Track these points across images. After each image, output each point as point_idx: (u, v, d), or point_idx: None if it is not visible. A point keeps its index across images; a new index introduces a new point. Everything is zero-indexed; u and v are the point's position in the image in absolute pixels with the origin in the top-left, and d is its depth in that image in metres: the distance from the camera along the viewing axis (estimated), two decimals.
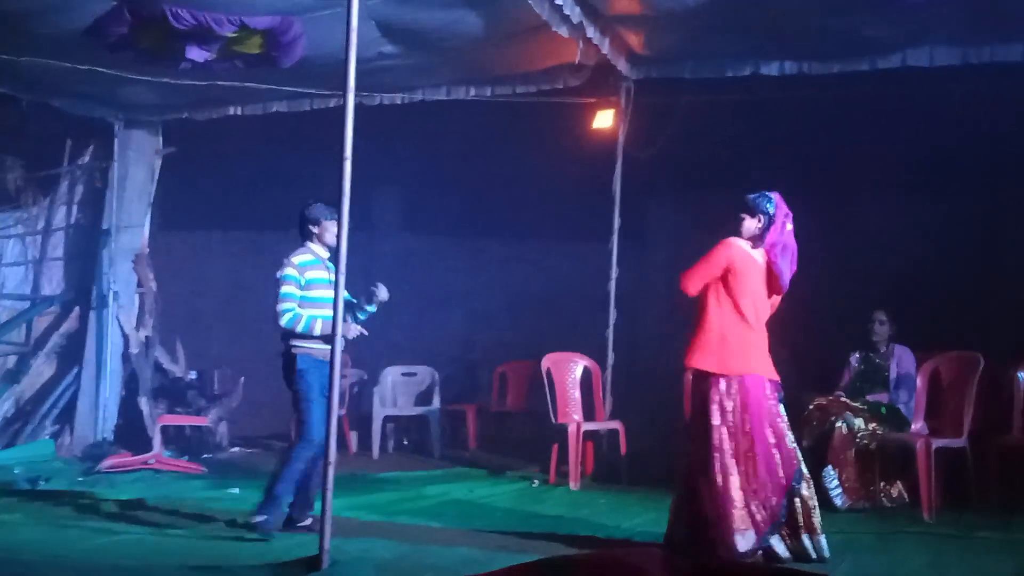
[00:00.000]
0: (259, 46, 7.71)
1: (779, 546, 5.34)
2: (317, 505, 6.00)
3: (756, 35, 7.89)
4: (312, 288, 6.20)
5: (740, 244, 5.55)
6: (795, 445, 5.51)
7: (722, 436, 5.35)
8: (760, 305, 5.56)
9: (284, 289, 6.16)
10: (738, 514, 5.26)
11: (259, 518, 6.07)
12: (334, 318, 5.22)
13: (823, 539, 5.41)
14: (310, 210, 6.31)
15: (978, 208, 8.84)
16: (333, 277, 6.07)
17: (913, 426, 7.32)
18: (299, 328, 6.11)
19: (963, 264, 8.76)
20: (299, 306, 6.15)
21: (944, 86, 8.12)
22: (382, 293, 6.29)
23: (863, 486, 7.29)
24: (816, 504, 5.46)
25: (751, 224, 5.57)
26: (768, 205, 5.55)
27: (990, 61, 7.66)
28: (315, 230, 6.30)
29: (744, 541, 5.24)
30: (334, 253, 6.05)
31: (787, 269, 5.56)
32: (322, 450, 5.88)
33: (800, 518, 5.38)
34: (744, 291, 5.48)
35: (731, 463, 5.32)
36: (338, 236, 5.25)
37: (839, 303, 8.80)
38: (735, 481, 5.30)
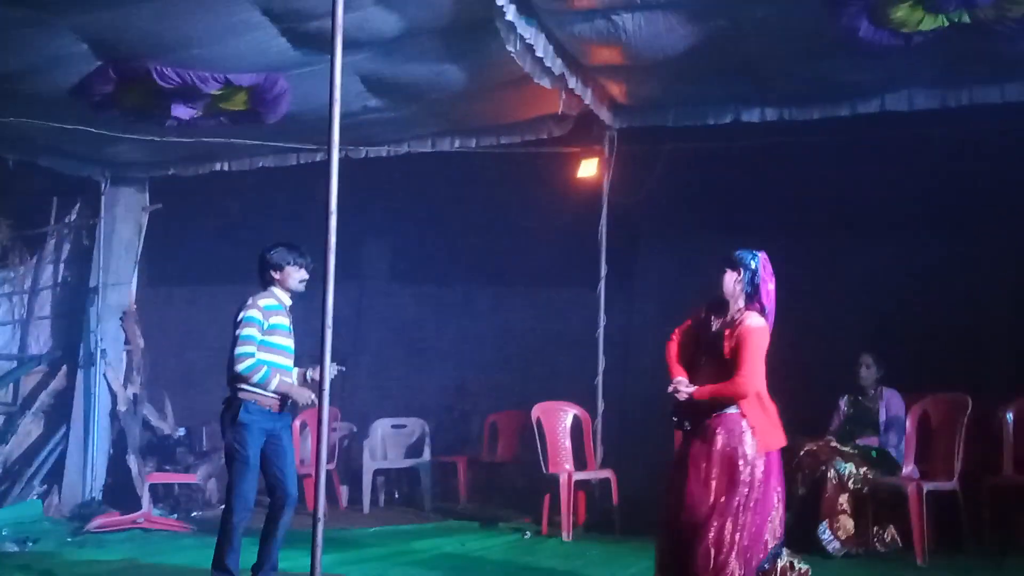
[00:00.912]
0: (244, 102, 7.76)
1: None
2: (285, 557, 5.91)
3: (736, 83, 7.98)
4: (273, 334, 5.90)
5: (761, 319, 5.41)
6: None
7: (742, 497, 5.29)
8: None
9: (245, 331, 5.80)
10: (733, 563, 5.21)
11: None
12: (321, 373, 5.14)
13: None
14: (271, 255, 5.99)
15: (962, 249, 8.89)
16: (291, 325, 6.00)
17: (904, 469, 7.32)
18: (255, 379, 5.76)
19: (948, 305, 8.79)
20: (258, 350, 5.82)
21: (924, 129, 8.20)
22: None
23: (856, 531, 7.26)
24: (795, 561, 5.41)
25: (731, 278, 5.50)
26: (752, 261, 5.47)
27: (968, 104, 7.74)
28: (276, 276, 5.97)
29: None
30: (307, 304, 5.91)
31: None
32: (284, 503, 5.79)
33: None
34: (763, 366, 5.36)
35: (731, 519, 5.27)
36: (324, 289, 5.12)
37: (826, 347, 8.82)
38: (729, 534, 5.25)
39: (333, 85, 5.15)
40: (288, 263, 5.97)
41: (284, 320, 5.97)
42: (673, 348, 5.56)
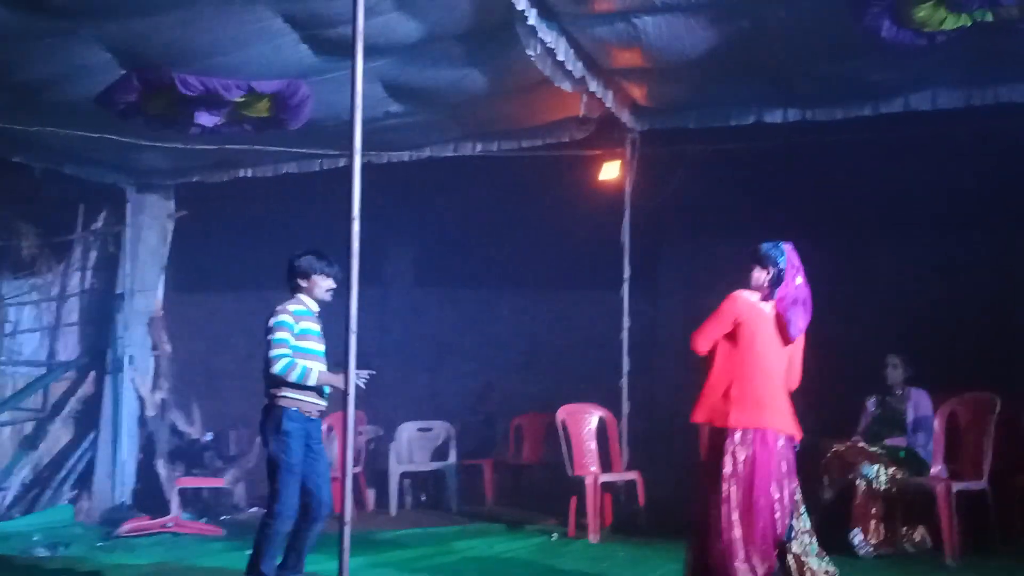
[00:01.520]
0: (267, 109, 7.80)
1: None
2: (312, 561, 5.94)
3: (759, 83, 7.96)
4: (304, 339, 5.90)
5: (746, 296, 5.53)
6: (798, 497, 5.48)
7: (730, 488, 5.32)
8: (774, 357, 5.49)
9: (278, 335, 5.80)
10: (740, 567, 5.21)
11: None
12: (346, 377, 5.17)
13: None
14: (299, 262, 6.00)
15: (988, 248, 8.83)
16: (321, 331, 6.00)
17: (932, 470, 7.26)
18: (293, 376, 5.75)
19: (975, 304, 8.74)
20: (294, 354, 5.82)
21: (949, 128, 8.15)
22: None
23: (886, 532, 7.22)
24: (810, 556, 5.40)
25: (760, 275, 5.54)
26: (780, 257, 5.51)
27: (993, 102, 7.69)
28: (304, 283, 5.98)
29: None
30: (335, 310, 5.93)
31: (798, 319, 5.50)
32: (319, 512, 5.82)
33: (794, 572, 5.33)
34: (753, 343, 5.46)
35: (736, 516, 5.29)
36: (348, 295, 5.13)
37: (853, 347, 8.77)
38: (738, 533, 5.26)
39: (355, 91, 5.17)
40: (316, 271, 5.97)
41: (314, 325, 5.99)
42: None
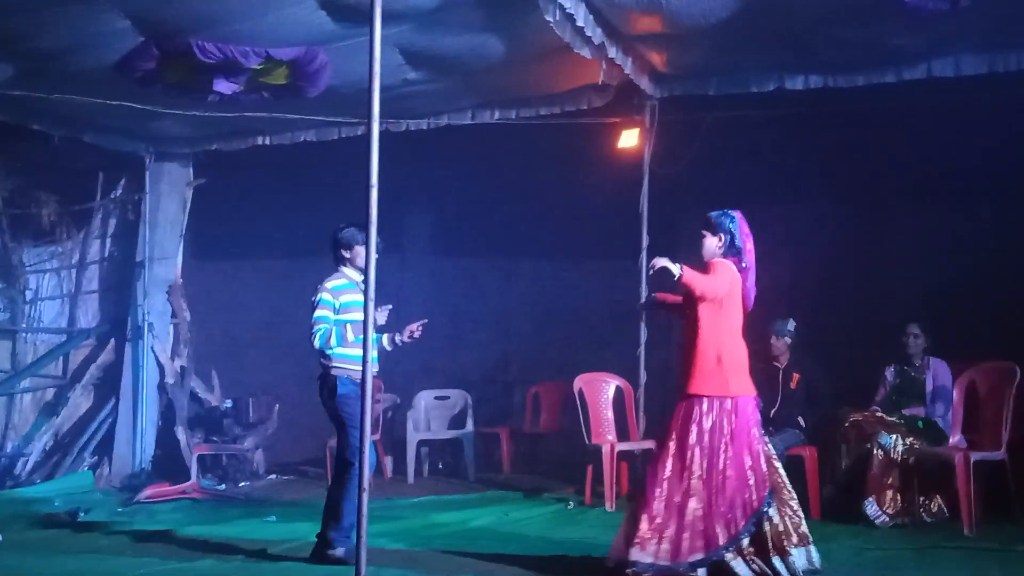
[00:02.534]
0: (285, 77, 7.79)
1: (740, 567, 5.26)
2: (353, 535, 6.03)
3: (779, 49, 7.88)
4: (348, 311, 6.17)
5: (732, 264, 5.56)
6: (777, 466, 5.51)
7: (694, 456, 5.36)
8: (739, 323, 5.61)
9: (317, 312, 6.17)
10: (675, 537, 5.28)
11: (338, 551, 6.02)
12: (364, 341, 5.17)
13: (797, 559, 5.34)
14: (342, 234, 6.31)
15: (1009, 217, 8.75)
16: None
17: (951, 439, 7.25)
18: (332, 342, 6.10)
19: (996, 274, 8.67)
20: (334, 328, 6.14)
21: (972, 95, 8.06)
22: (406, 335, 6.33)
23: (903, 502, 7.21)
24: (789, 525, 5.40)
25: (712, 242, 5.64)
26: (731, 224, 5.62)
27: (1017, 68, 7.60)
28: (347, 254, 6.31)
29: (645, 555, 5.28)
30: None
31: (752, 290, 5.64)
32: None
33: (770, 540, 5.32)
34: (736, 311, 5.55)
35: (698, 484, 5.33)
36: (366, 262, 5.20)
37: (872, 316, 8.75)
38: (694, 502, 5.32)
39: (373, 58, 5.14)
40: (358, 243, 6.19)
41: (358, 296, 6.14)
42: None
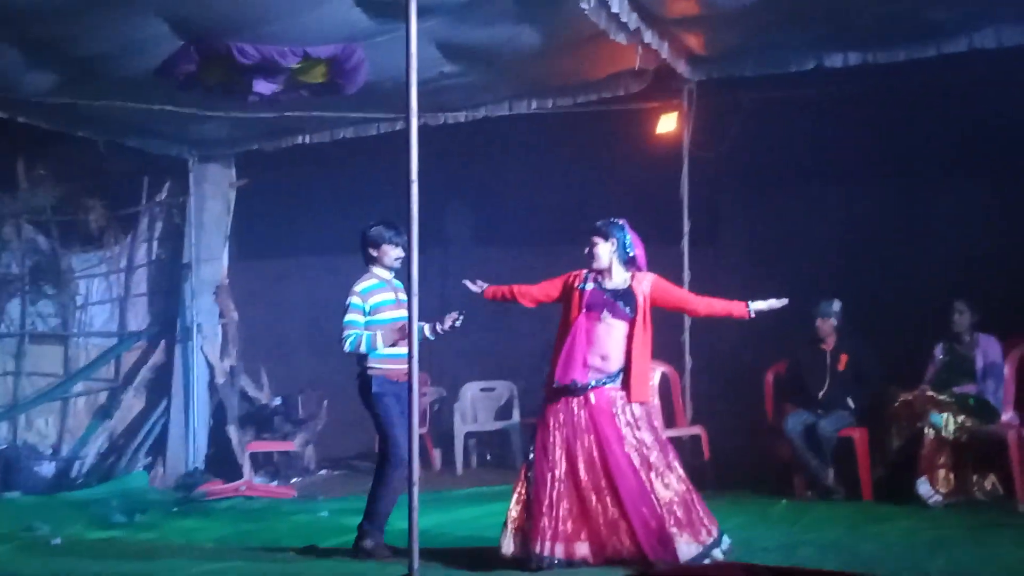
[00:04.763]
0: (323, 75, 7.83)
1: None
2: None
3: (817, 27, 7.80)
4: (380, 311, 6.18)
5: None
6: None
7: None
8: None
9: (347, 317, 6.18)
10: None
11: (367, 543, 6.08)
12: (409, 339, 5.19)
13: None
14: (369, 233, 6.31)
15: None
16: (402, 296, 6.14)
17: (1003, 417, 7.18)
18: (362, 349, 6.13)
19: None
20: (366, 330, 6.15)
21: (1014, 66, 7.92)
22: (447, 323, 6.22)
23: (956, 480, 7.15)
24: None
25: (606, 248, 5.79)
26: (619, 232, 5.77)
27: None
28: (375, 253, 6.30)
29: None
30: (399, 273, 6.15)
31: None
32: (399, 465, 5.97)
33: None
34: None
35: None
36: (408, 257, 5.18)
37: (919, 294, 8.63)
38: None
39: (409, 52, 5.16)
40: (385, 241, 6.24)
41: (389, 295, 6.22)
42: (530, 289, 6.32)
